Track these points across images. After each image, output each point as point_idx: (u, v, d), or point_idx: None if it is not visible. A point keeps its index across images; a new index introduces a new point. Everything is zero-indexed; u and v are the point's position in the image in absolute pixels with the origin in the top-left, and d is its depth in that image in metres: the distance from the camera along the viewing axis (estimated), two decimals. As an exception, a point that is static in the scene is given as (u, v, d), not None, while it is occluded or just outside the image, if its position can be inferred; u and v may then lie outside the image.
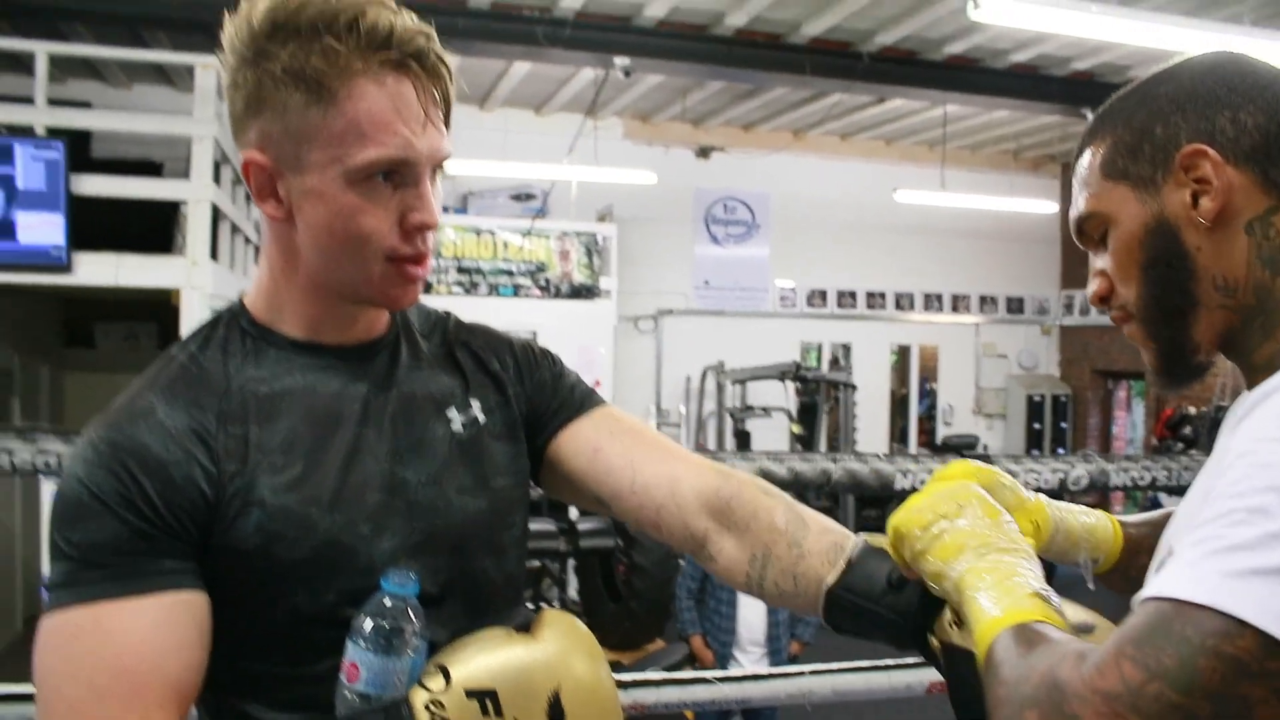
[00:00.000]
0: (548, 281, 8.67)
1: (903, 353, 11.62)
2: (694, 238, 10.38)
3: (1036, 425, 11.27)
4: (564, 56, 7.09)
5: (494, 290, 8.53)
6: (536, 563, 6.94)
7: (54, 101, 5.79)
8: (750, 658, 4.51)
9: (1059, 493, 2.42)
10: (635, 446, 1.23)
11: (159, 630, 0.95)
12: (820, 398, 9.46)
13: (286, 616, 1.02)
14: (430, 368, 1.19)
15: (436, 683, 0.95)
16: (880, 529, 1.09)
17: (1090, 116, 1.08)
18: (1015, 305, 11.59)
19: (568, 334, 8.46)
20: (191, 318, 5.09)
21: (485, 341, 1.26)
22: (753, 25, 7.10)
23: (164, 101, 8.20)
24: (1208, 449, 1.13)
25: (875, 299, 11.02)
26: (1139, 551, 1.27)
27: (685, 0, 6.70)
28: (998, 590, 0.86)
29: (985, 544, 0.92)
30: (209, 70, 5.36)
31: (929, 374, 11.78)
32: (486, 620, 1.06)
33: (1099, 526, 1.27)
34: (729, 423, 9.59)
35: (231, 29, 1.01)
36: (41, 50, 5.48)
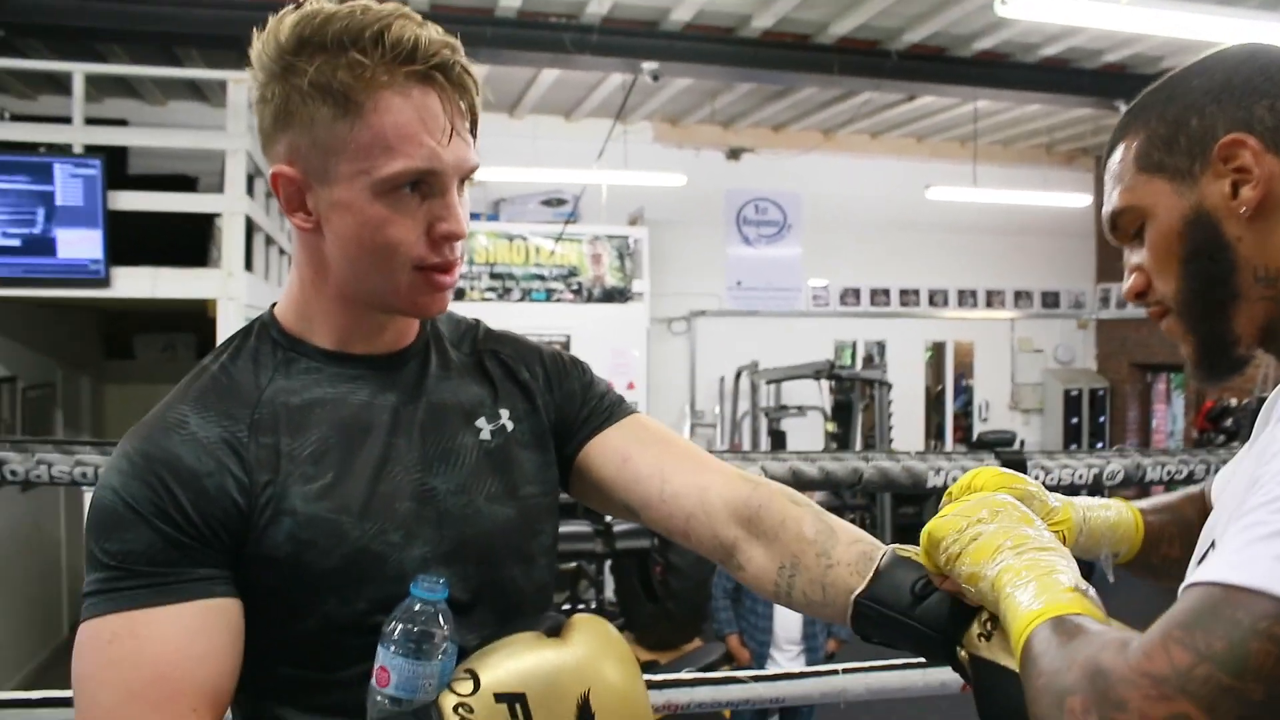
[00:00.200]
0: (580, 285, 8.69)
1: (938, 349, 11.55)
2: (726, 239, 10.38)
3: (1074, 420, 11.17)
4: (592, 62, 7.11)
5: (526, 296, 8.57)
6: (573, 564, 6.96)
7: (91, 120, 5.90)
8: (787, 656, 4.51)
9: (1095, 488, 2.41)
10: (664, 455, 1.23)
11: (193, 637, 0.97)
12: (855, 396, 9.42)
13: (318, 624, 1.04)
14: (459, 377, 1.20)
15: (465, 687, 0.96)
16: (917, 527, 1.09)
17: (1123, 109, 1.08)
18: (1051, 300, 11.49)
19: (601, 337, 8.49)
20: (228, 328, 5.16)
21: (515, 350, 1.27)
22: (780, 26, 7.09)
23: (198, 117, 8.32)
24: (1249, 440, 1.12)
25: (909, 296, 10.96)
26: (1159, 541, 1.28)
27: (711, 3, 6.70)
28: (1036, 585, 0.85)
29: (1021, 542, 0.91)
30: (241, 85, 5.45)
31: (964, 370, 11.71)
32: (516, 627, 1.07)
33: (1121, 522, 1.27)
34: (764, 423, 9.57)
35: (259, 44, 1.03)
36: (78, 70, 5.58)
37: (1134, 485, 2.56)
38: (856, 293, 10.78)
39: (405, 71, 1.00)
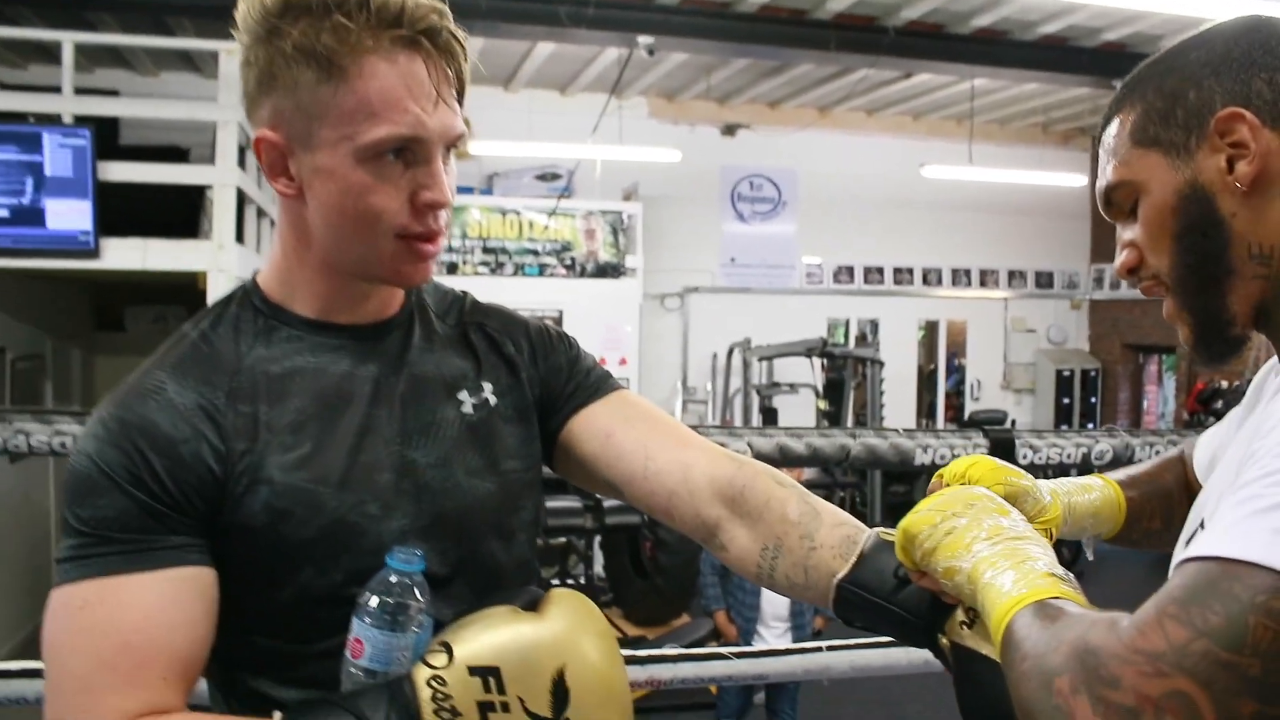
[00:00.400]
0: (573, 261, 8.67)
1: (930, 328, 11.56)
2: (720, 215, 10.35)
3: (1065, 400, 11.19)
4: (587, 36, 7.07)
5: (519, 270, 8.54)
6: (563, 540, 6.98)
7: (82, 90, 5.85)
8: (774, 633, 4.53)
9: (1083, 468, 2.41)
10: (649, 432, 1.22)
11: (165, 606, 0.96)
12: (847, 374, 9.42)
13: (294, 595, 1.03)
14: (443, 349, 1.19)
15: (439, 659, 0.95)
16: (908, 505, 1.08)
17: (1121, 88, 1.07)
18: (1044, 280, 11.49)
19: (594, 313, 8.48)
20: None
21: (500, 323, 1.26)
22: (776, 1, 7.04)
23: (190, 88, 8.26)
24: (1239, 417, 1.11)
25: (903, 274, 10.95)
26: (1141, 516, 1.29)
27: (707, -23, 6.66)
28: (1014, 573, 0.83)
29: (996, 533, 0.90)
30: (233, 56, 5.37)
31: (957, 349, 11.72)
32: (494, 602, 1.06)
33: (1105, 505, 1.27)
34: (755, 400, 9.58)
35: (245, 7, 1.01)
36: (68, 39, 5.53)
37: (1123, 465, 2.57)
38: (850, 271, 10.76)
39: (391, 36, 0.98)
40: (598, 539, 6.99)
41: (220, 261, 5.32)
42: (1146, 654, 0.66)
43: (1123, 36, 7.60)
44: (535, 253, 8.59)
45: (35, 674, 1.73)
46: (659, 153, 8.88)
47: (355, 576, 1.01)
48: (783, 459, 2.04)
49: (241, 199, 5.63)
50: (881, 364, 9.37)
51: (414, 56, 1.00)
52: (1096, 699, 0.67)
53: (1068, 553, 7.87)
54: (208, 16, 6.49)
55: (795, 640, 4.51)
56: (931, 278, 11.06)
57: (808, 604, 4.50)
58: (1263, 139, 0.90)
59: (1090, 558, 1.32)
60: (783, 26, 7.31)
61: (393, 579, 0.98)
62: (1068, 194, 10.59)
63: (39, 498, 6.61)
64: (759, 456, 1.99)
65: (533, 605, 1.04)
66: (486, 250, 8.47)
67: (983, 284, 11.26)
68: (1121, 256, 1.02)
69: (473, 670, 0.95)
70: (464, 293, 1.28)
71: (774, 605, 4.50)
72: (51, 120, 5.28)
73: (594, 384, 1.26)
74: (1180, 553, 0.78)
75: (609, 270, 8.75)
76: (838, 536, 1.10)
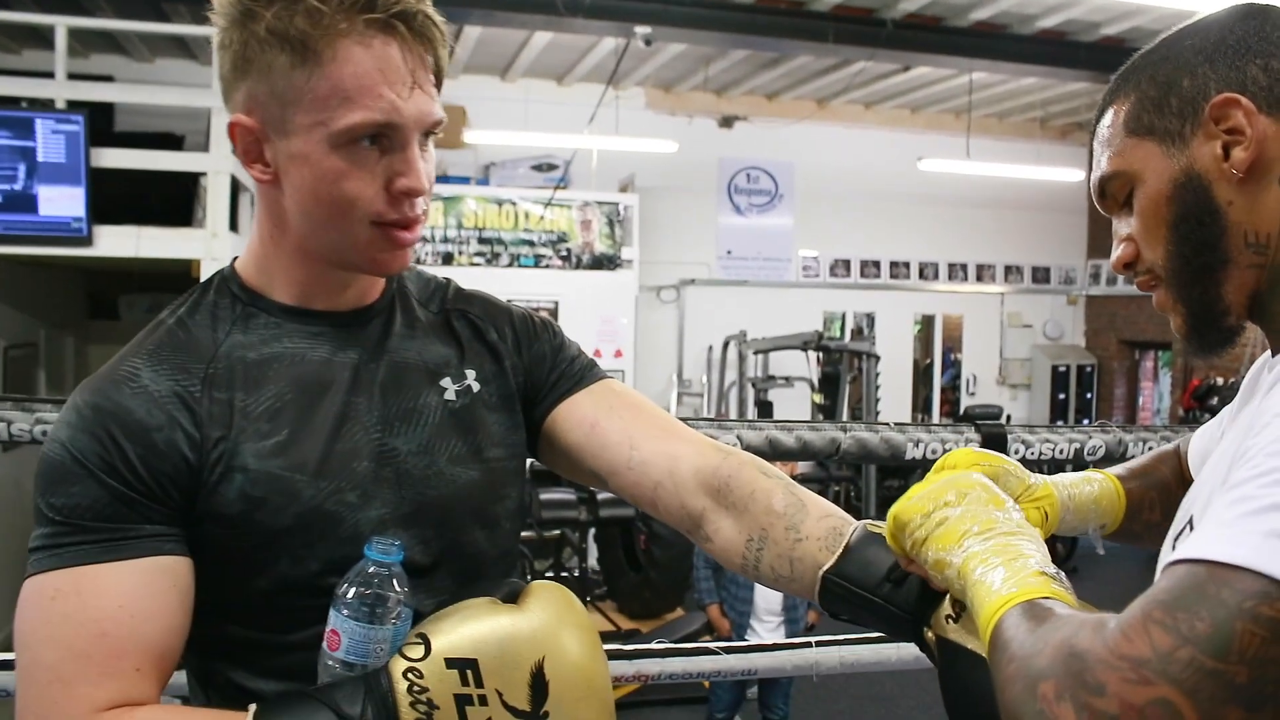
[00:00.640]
0: (569, 252, 8.64)
1: (927, 323, 11.55)
2: (717, 207, 10.33)
3: (1061, 396, 11.19)
4: (584, 26, 7.03)
5: (515, 261, 8.51)
6: (557, 532, 6.97)
7: (77, 76, 5.82)
8: (767, 627, 4.52)
9: (1076, 463, 2.39)
10: (634, 422, 1.21)
11: (139, 596, 0.95)
12: (843, 368, 9.41)
13: (270, 584, 1.01)
14: (425, 336, 1.17)
15: (416, 651, 0.94)
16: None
17: (1118, 81, 1.05)
18: (1041, 275, 11.48)
19: (589, 304, 8.45)
20: (212, 289, 5.11)
21: (484, 310, 1.25)
22: (774, -8, 7.02)
23: (185, 75, 8.21)
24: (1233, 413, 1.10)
25: (899, 269, 10.94)
26: (1140, 508, 1.28)
27: (705, -33, 6.63)
28: (1004, 570, 0.82)
29: (988, 528, 0.88)
30: (226, 41, 5.36)
31: (953, 344, 11.71)
32: (476, 592, 1.05)
33: (1104, 495, 1.26)
34: (751, 393, 9.57)
35: None
36: (61, 24, 5.50)
37: (1116, 461, 2.56)
38: (846, 264, 10.75)
39: (365, 19, 0.97)
40: (592, 532, 6.99)
41: (214, 250, 5.30)
42: (1132, 660, 0.64)
43: (1121, 31, 7.58)
44: (531, 243, 8.56)
45: (8, 665, 1.71)
46: (656, 144, 8.86)
47: (332, 566, 1.00)
48: (772, 452, 2.02)
49: (236, 186, 5.60)
50: (877, 358, 9.37)
51: (389, 41, 0.98)
52: (1081, 706, 0.65)
53: (1062, 549, 7.88)
54: (203, 2, 6.42)
55: (789, 634, 4.51)
56: (928, 272, 11.05)
57: (801, 598, 4.50)
58: (1258, 125, 0.89)
59: (1101, 552, 1.30)
60: (781, 17, 7.28)
61: (371, 569, 0.96)
62: (1065, 189, 10.57)
63: (31, 486, 6.57)
64: (748, 449, 1.98)
65: (513, 597, 1.03)
66: (482, 241, 8.44)
67: (979, 279, 11.25)
68: (1118, 251, 1.01)
69: (450, 662, 0.94)
70: (447, 280, 1.27)
71: (767, 599, 4.49)
72: (45, 106, 5.25)
73: (578, 373, 1.25)
74: (1167, 552, 0.77)
75: (605, 262, 8.73)
76: (824, 528, 1.09)
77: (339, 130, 0.98)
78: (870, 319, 10.99)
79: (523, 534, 5.53)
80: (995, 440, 2.23)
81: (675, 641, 4.10)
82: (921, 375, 11.67)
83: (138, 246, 5.31)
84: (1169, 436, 2.55)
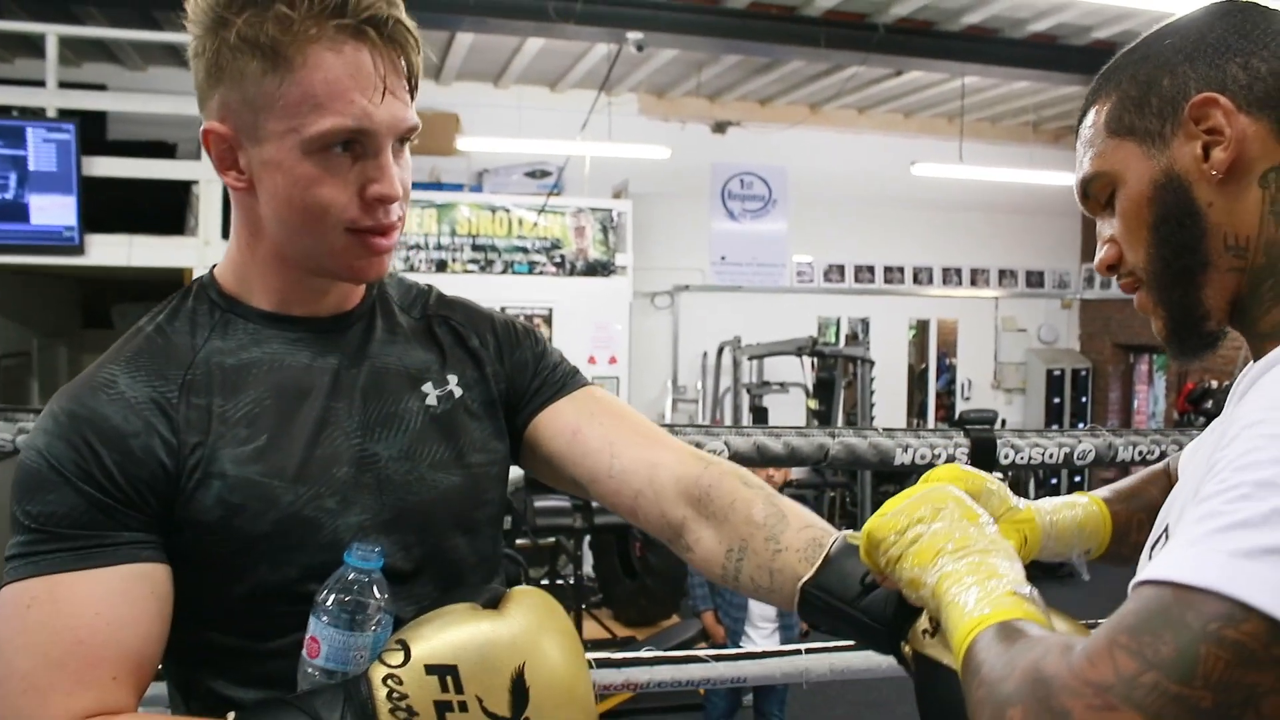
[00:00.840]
0: (563, 258, 8.63)
1: (921, 327, 11.55)
2: (710, 213, 10.33)
3: (1056, 400, 11.19)
4: (576, 32, 7.03)
5: (509, 268, 8.50)
6: (552, 539, 6.95)
7: (70, 84, 5.82)
8: (762, 634, 4.51)
9: (1066, 468, 2.40)
10: (615, 430, 1.21)
11: (115, 602, 0.94)
12: (838, 373, 9.40)
13: (249, 590, 1.01)
14: (407, 341, 1.17)
15: (396, 658, 0.94)
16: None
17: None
18: (1035, 279, 11.48)
19: (584, 311, 8.45)
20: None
21: (466, 317, 1.24)
22: (766, -3, 7.04)
23: (179, 83, 8.20)
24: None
25: (893, 273, 10.94)
26: (1128, 530, 1.25)
27: (697, -27, 6.64)
28: (977, 591, 0.81)
29: (962, 546, 0.87)
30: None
31: (948, 349, 11.71)
32: (457, 598, 1.05)
33: (1088, 519, 1.24)
34: (746, 399, 9.56)
35: None
36: (51, 32, 5.51)
37: (1105, 465, 2.56)
38: (841, 269, 10.75)
39: (336, 25, 0.96)
40: (587, 539, 6.97)
41: (207, 258, 5.31)
42: (1096, 686, 0.64)
43: (1113, 35, 7.59)
44: (525, 250, 8.55)
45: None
46: (649, 150, 8.85)
47: (311, 572, 0.99)
48: (761, 458, 2.02)
49: (228, 195, 5.58)
50: (872, 363, 9.36)
51: (360, 46, 0.98)
52: None
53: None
54: (192, 11, 6.43)
55: (784, 640, 4.49)
56: (922, 277, 11.05)
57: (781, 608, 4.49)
58: (1238, 124, 0.88)
59: (1086, 577, 1.29)
60: (773, 23, 7.28)
61: (350, 576, 0.96)
62: (1059, 192, 10.57)
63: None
64: (736, 456, 1.98)
65: (493, 603, 1.03)
66: (476, 248, 8.43)
67: (973, 283, 11.25)
68: (1101, 252, 1.00)
69: (430, 669, 0.94)
70: (429, 286, 1.27)
71: (762, 606, 4.48)
72: (36, 114, 5.25)
73: (560, 380, 1.25)
74: (1145, 562, 0.76)
75: (599, 268, 8.72)
76: (803, 539, 1.09)
77: (310, 137, 0.97)
78: (865, 324, 10.99)
79: (518, 541, 5.51)
80: (984, 445, 2.23)
81: (670, 648, 4.09)
82: (916, 380, 11.67)
83: (130, 255, 5.31)
84: (1159, 440, 2.55)
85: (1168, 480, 1.31)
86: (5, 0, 6.44)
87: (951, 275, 11.13)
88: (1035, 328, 11.54)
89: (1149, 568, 0.69)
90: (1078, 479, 9.82)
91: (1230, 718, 0.62)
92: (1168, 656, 0.63)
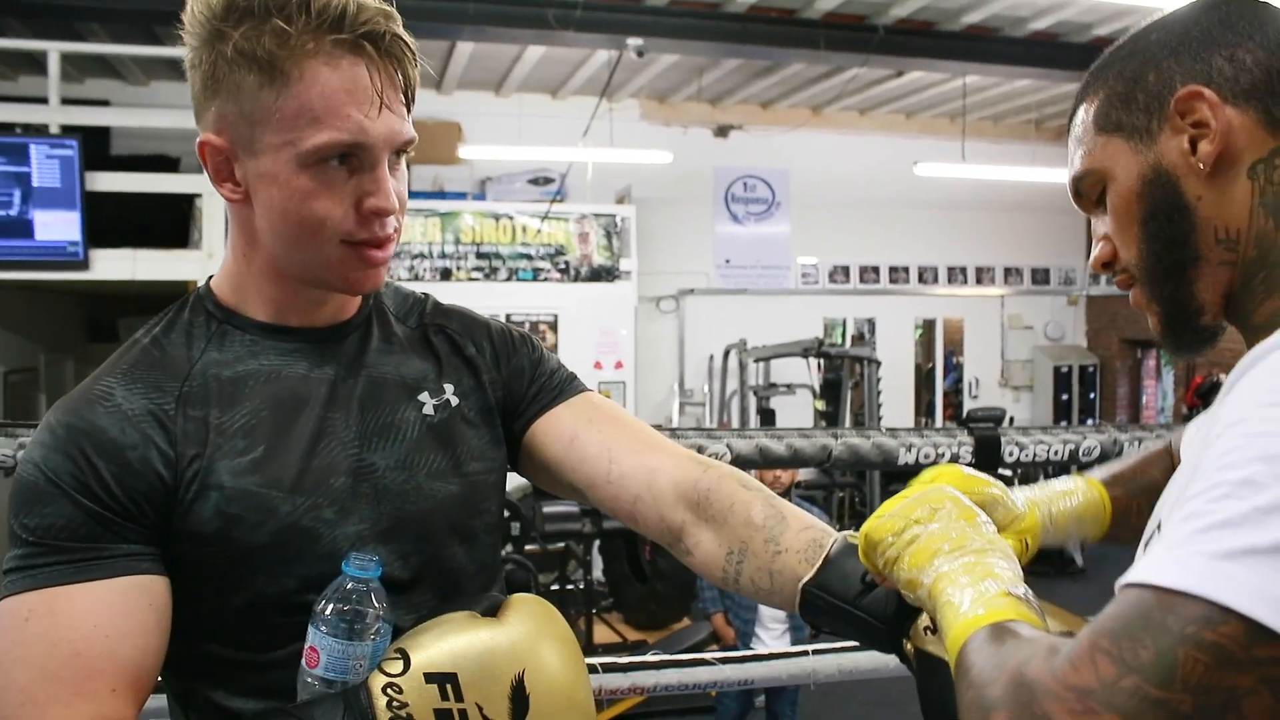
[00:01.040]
0: (567, 264, 8.64)
1: (927, 327, 11.53)
2: (714, 217, 10.33)
3: (1064, 396, 11.16)
4: (576, 39, 7.05)
5: (513, 275, 8.51)
6: (561, 545, 6.95)
7: (74, 100, 5.85)
8: (772, 635, 4.50)
9: (1070, 465, 2.39)
10: (613, 435, 1.21)
11: (114, 615, 0.94)
12: (844, 374, 9.39)
13: (247, 601, 1.01)
14: (403, 351, 1.17)
15: (395, 666, 0.94)
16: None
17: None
18: (1041, 276, 11.46)
19: (589, 317, 8.46)
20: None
21: (462, 325, 1.25)
22: (765, 1, 7.03)
23: (180, 97, 8.22)
24: None
25: (898, 273, 10.93)
26: (1128, 514, 1.26)
27: (695, -23, 6.65)
28: (971, 592, 0.81)
29: (958, 546, 0.87)
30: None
31: (954, 347, 11.69)
32: (456, 607, 1.05)
33: (1088, 508, 1.24)
34: (753, 401, 9.55)
35: (192, 7, 1.00)
36: (54, 49, 5.53)
37: (1111, 461, 2.55)
38: (846, 270, 10.74)
39: (333, 40, 0.97)
40: (596, 543, 6.97)
41: (210, 271, 5.25)
42: (1078, 690, 0.64)
43: (1113, 32, 7.57)
44: (529, 257, 8.56)
45: None
46: (651, 155, 8.87)
47: (310, 583, 1.00)
48: (763, 461, 2.02)
49: (230, 207, 5.61)
50: (878, 363, 9.34)
51: (357, 61, 0.98)
52: None
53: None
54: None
55: (794, 641, 4.49)
56: (927, 276, 11.04)
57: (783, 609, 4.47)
58: (1223, 116, 0.87)
59: (1080, 564, 1.29)
60: (772, 26, 7.29)
61: (349, 586, 0.96)
62: (1062, 190, 10.24)
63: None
64: (738, 458, 1.97)
65: (492, 611, 1.03)
66: (480, 255, 8.44)
67: (979, 281, 11.23)
68: (1096, 250, 1.00)
69: (429, 677, 0.94)
70: (425, 295, 1.27)
71: (772, 607, 4.47)
72: (39, 131, 5.27)
73: (557, 386, 1.25)
74: (1140, 555, 0.76)
75: (603, 274, 8.73)
76: (803, 540, 1.09)
77: (307, 150, 0.98)
78: (871, 324, 10.98)
79: (527, 547, 5.50)
80: (988, 444, 2.22)
81: (681, 651, 4.09)
82: (924, 379, 11.66)
83: (134, 269, 5.33)
84: (1163, 435, 2.54)
85: (1169, 460, 1.31)
86: (7, 18, 6.48)
87: (956, 274, 11.12)
88: (1042, 325, 11.52)
89: (1132, 570, 0.68)
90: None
91: None
92: (1148, 661, 0.62)
